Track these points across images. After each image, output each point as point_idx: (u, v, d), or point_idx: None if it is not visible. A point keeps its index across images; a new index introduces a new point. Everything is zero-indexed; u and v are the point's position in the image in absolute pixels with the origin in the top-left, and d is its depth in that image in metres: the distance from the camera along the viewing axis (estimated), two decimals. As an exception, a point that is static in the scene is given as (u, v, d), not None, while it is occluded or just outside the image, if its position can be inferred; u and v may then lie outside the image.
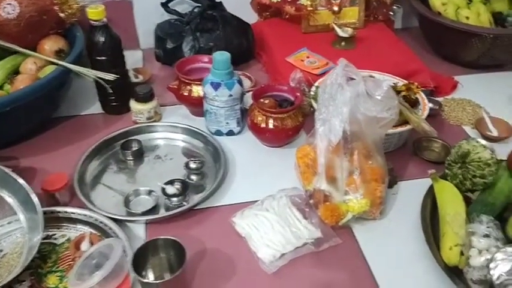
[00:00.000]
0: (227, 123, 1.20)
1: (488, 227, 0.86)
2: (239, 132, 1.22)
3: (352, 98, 0.96)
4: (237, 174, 1.11)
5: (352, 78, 1.00)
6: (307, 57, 1.42)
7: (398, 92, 1.21)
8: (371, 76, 1.25)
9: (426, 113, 1.15)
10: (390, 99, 0.96)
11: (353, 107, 0.97)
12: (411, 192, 1.04)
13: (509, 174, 0.99)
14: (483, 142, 0.99)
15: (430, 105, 1.30)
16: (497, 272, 0.82)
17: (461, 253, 0.86)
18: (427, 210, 0.98)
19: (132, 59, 1.55)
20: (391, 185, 1.07)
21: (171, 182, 1.03)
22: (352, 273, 0.90)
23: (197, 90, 1.21)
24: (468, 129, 1.26)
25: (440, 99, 1.36)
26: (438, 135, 1.22)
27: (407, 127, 1.10)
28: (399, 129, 1.11)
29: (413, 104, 1.20)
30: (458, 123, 1.27)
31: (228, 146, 1.19)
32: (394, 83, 1.26)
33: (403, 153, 1.17)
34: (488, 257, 0.83)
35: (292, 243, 0.92)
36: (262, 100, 1.15)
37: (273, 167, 1.13)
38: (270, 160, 1.15)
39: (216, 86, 1.13)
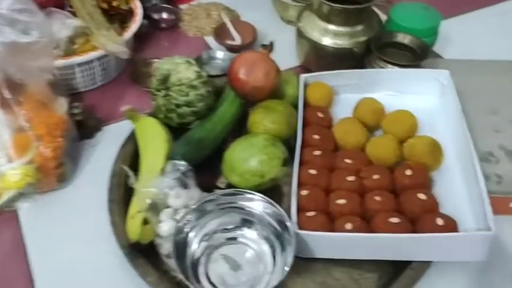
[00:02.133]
0: None
1: (174, 178, 0.61)
2: None
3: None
4: None
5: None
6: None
7: (108, 3, 0.91)
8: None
9: (137, 25, 0.86)
10: (25, 12, 0.64)
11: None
12: (120, 139, 0.75)
13: (235, 95, 0.77)
14: (190, 59, 0.73)
15: (164, 15, 1.03)
16: (190, 242, 0.60)
17: (146, 221, 0.61)
18: (123, 163, 0.70)
19: None
20: (89, 134, 0.79)
21: None
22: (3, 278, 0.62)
23: None
24: (211, 41, 1.00)
25: (184, 6, 1.08)
26: (173, 52, 0.95)
27: (99, 52, 0.80)
28: (89, 55, 0.80)
29: (126, 16, 0.91)
30: (199, 34, 1.00)
31: None
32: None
33: (119, 85, 0.88)
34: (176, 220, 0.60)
35: None
36: None
37: None
38: None
39: None
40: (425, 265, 0.60)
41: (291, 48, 0.94)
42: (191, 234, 0.60)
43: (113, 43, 0.76)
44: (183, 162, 0.62)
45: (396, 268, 0.61)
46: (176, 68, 0.71)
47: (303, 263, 0.62)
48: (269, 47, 0.76)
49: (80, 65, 0.80)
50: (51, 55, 0.68)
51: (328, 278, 0.61)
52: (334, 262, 0.62)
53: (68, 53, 0.80)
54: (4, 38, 0.63)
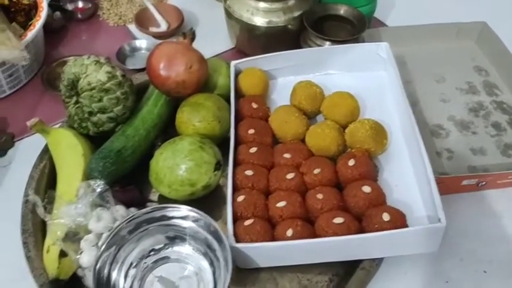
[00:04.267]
0: None
1: (88, 203, 0.53)
2: None
3: None
4: None
5: None
6: None
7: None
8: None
9: (41, 22, 0.75)
10: None
11: None
12: (35, 155, 0.66)
13: (159, 92, 0.68)
14: (100, 58, 0.64)
15: (80, 4, 0.92)
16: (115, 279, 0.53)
17: (63, 253, 0.54)
18: (39, 185, 0.62)
19: None
20: (2, 151, 0.70)
21: None
22: None
23: None
24: (135, 29, 0.89)
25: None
26: (93, 46, 0.86)
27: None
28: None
29: (31, 12, 0.80)
30: (121, 23, 0.90)
31: None
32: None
33: (32, 91, 0.78)
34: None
35: None
36: None
37: None
38: None
39: None
40: (377, 262, 0.56)
41: (225, 29, 0.86)
42: (113, 272, 0.52)
43: (8, 49, 0.65)
44: (98, 182, 0.55)
45: (347, 269, 0.56)
46: (84, 71, 0.62)
47: (247, 274, 0.57)
48: (190, 35, 0.68)
49: (-21, 75, 0.70)
50: None
51: (275, 287, 0.56)
52: (280, 269, 0.57)
53: (-37, 63, 0.70)
54: None
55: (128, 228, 0.53)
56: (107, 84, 0.62)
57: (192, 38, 0.67)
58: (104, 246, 0.51)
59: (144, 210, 0.54)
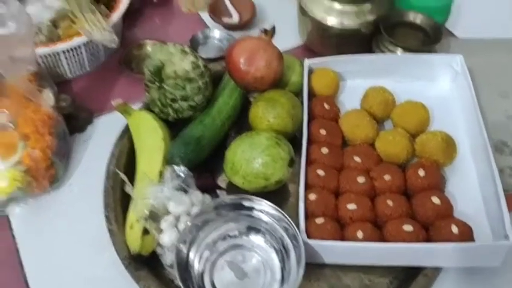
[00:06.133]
0: None
1: (174, 187, 0.57)
2: None
3: None
4: None
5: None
6: None
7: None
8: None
9: (124, 5, 0.78)
10: None
11: None
12: (114, 132, 0.69)
13: (234, 84, 0.71)
14: (185, 47, 0.67)
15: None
16: (192, 258, 0.56)
17: (146, 230, 0.58)
18: (119, 162, 0.65)
19: None
20: (80, 128, 0.72)
21: None
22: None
23: None
24: (207, 17, 0.92)
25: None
26: (167, 31, 0.89)
27: (78, 39, 0.73)
28: (75, 40, 0.73)
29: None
30: (194, 10, 0.93)
31: None
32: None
33: (109, 70, 0.81)
34: (180, 227, 0.57)
35: None
36: None
37: None
38: None
39: None
40: (438, 270, 0.58)
41: (294, 25, 0.87)
42: (191, 253, 0.56)
43: (100, 30, 0.68)
44: (183, 168, 0.58)
45: (408, 273, 0.59)
46: (170, 59, 0.65)
47: (312, 268, 0.59)
48: (271, 32, 0.70)
49: (65, 52, 0.73)
50: (32, 45, 0.62)
51: (338, 283, 0.59)
52: (343, 268, 0.60)
53: (52, 39, 0.74)
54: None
55: (211, 212, 0.57)
56: (191, 74, 0.65)
57: (272, 35, 0.69)
58: (187, 226, 0.55)
59: (232, 197, 0.59)
